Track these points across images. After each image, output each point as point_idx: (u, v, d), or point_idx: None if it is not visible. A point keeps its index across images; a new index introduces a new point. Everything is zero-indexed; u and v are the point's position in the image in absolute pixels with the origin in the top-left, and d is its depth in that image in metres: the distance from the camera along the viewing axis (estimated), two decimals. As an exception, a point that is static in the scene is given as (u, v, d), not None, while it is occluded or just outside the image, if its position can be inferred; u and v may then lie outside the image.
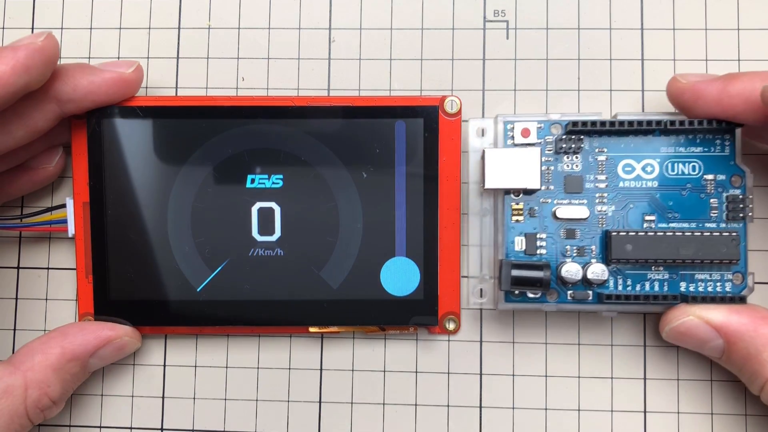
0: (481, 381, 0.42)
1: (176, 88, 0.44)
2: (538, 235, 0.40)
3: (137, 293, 0.41)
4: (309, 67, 0.43)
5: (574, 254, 0.40)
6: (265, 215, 0.41)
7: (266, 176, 0.40)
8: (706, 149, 0.39)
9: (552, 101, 0.43)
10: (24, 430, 0.37)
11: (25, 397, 0.37)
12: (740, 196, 0.39)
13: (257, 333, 0.43)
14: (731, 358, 0.37)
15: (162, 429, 0.43)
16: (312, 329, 0.41)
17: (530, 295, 0.40)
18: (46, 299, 0.43)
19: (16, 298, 0.44)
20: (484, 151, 0.39)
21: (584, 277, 0.39)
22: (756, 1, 0.43)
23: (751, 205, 0.39)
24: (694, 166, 0.39)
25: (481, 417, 0.42)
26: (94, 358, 0.39)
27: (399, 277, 0.40)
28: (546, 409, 0.42)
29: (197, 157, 0.40)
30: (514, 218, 0.40)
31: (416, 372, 0.42)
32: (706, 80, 0.38)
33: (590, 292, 0.39)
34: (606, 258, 0.39)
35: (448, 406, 0.42)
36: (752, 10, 0.43)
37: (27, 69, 0.35)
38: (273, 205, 0.41)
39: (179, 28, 0.44)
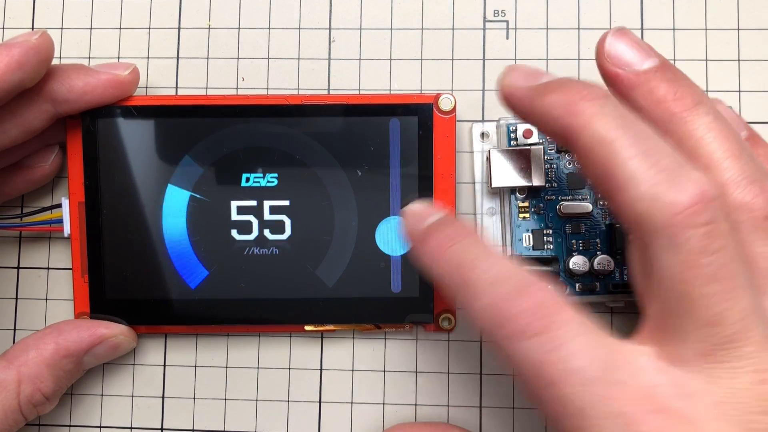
0: (481, 381, 0.42)
1: (176, 88, 0.44)
2: (544, 231, 0.41)
3: (133, 292, 0.41)
4: (309, 67, 0.44)
5: (580, 248, 0.41)
6: None
7: (261, 175, 0.40)
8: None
9: (552, 101, 0.43)
10: (17, 425, 0.37)
11: (18, 393, 0.37)
12: None
13: (252, 332, 0.43)
14: None
15: (162, 429, 0.43)
16: (308, 328, 0.41)
17: None
18: (46, 299, 0.43)
19: (16, 298, 0.44)
20: (489, 152, 0.40)
21: (591, 268, 0.40)
22: (756, 1, 0.43)
23: None
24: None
25: (480, 417, 0.42)
26: (89, 355, 0.39)
27: (394, 275, 0.41)
28: (545, 409, 0.42)
29: (192, 156, 0.40)
30: (521, 216, 0.41)
31: (416, 372, 0.42)
32: None
33: (597, 284, 0.40)
34: (611, 250, 0.40)
35: (448, 406, 0.42)
36: (752, 10, 0.43)
37: (21, 66, 0.35)
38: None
39: (179, 28, 0.44)
